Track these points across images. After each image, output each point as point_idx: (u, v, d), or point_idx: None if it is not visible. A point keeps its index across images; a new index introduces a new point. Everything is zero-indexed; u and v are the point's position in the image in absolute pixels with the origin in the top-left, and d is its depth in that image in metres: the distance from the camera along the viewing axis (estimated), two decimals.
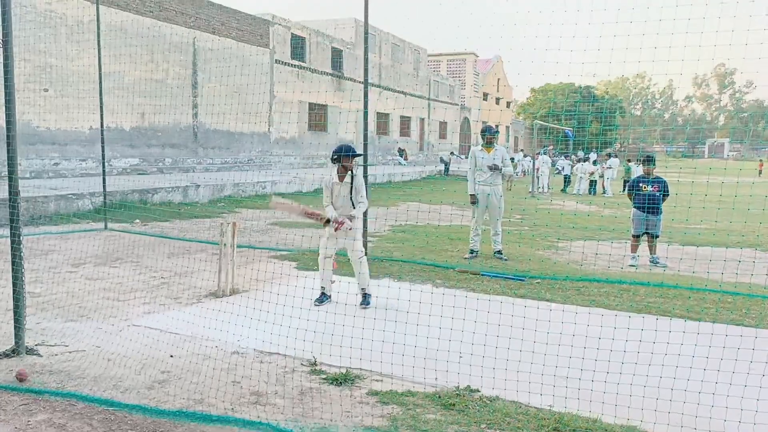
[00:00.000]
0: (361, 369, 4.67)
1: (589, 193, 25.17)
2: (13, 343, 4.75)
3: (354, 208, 6.54)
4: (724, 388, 4.00)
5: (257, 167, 23.55)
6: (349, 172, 6.54)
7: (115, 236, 10.92)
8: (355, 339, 5.07)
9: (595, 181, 25.67)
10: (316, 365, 4.75)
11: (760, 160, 41.22)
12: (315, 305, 6.53)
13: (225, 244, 6.85)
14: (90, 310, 6.11)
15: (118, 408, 3.90)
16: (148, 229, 11.96)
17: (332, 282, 6.75)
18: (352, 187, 6.52)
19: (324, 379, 4.50)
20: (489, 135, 9.53)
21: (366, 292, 6.61)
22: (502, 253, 9.45)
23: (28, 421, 3.71)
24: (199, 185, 16.13)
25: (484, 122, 51.19)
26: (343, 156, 6.49)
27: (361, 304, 6.53)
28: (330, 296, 6.74)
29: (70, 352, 4.87)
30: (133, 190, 14.54)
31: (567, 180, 26.44)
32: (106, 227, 11.66)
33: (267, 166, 24.16)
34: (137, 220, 12.78)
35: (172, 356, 4.88)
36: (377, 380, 4.50)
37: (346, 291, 6.74)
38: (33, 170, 16.31)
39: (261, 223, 12.89)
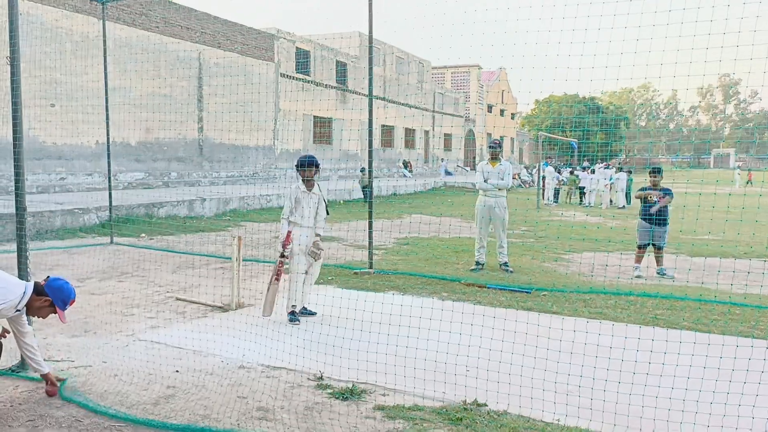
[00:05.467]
0: (367, 383, 4.64)
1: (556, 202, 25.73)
2: (19, 358, 4.74)
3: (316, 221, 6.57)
4: (735, 399, 3.96)
5: (262, 180, 23.60)
6: (316, 184, 6.55)
7: (121, 250, 10.93)
8: (361, 353, 5.05)
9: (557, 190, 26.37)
10: (322, 380, 4.72)
11: (748, 170, 40.58)
12: (291, 323, 6.33)
13: (233, 258, 6.84)
14: (96, 325, 6.11)
15: (124, 421, 3.88)
16: (154, 243, 11.97)
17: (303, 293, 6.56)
18: (319, 199, 6.52)
19: (330, 394, 4.47)
20: (492, 150, 9.64)
21: (294, 310, 6.40)
22: (508, 265, 9.42)
23: None
24: (204, 199, 16.17)
25: (489, 135, 51.25)
26: (303, 167, 6.50)
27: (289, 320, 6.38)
28: (311, 311, 6.59)
29: (76, 368, 4.85)
30: (139, 204, 14.58)
31: (583, 192, 26.29)
32: (112, 241, 11.68)
33: (272, 179, 24.20)
34: (143, 234, 12.80)
35: (177, 371, 4.86)
36: (383, 394, 4.47)
37: (350, 305, 6.69)
38: (39, 185, 16.39)
39: (266, 235, 12.89)
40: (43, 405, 4.13)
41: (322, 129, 29.50)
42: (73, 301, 4.06)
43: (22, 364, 4.71)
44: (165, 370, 4.87)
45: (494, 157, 9.59)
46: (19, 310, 3.92)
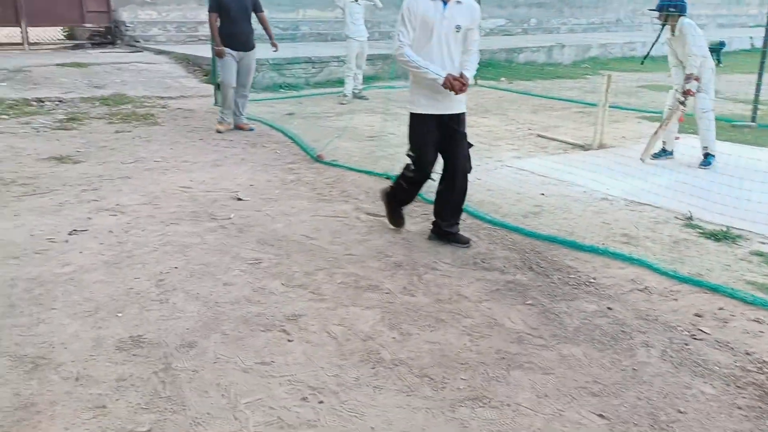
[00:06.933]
0: (743, 230, 4.33)
1: None
2: None
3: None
4: None
5: (626, 28, 21.88)
6: (677, 26, 5.95)
7: (483, 92, 11.60)
8: (736, 200, 4.68)
9: None
10: (691, 219, 4.56)
11: None
12: (651, 159, 6.29)
13: (602, 95, 6.81)
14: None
15: (498, 226, 4.42)
16: (512, 86, 12.38)
17: (676, 138, 6.39)
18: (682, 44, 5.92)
19: (700, 233, 4.32)
20: None
21: (708, 152, 6.10)
22: None
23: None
24: (564, 45, 15.82)
25: None
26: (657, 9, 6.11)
27: (700, 164, 6.09)
28: (671, 152, 6.40)
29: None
30: (500, 50, 15.02)
31: None
32: (476, 83, 12.43)
33: (637, 26, 22.26)
34: (503, 78, 13.28)
35: (542, 194, 5.20)
36: (763, 242, 4.14)
37: (724, 160, 6.10)
38: None
39: (629, 85, 12.22)
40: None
41: None
42: None
43: None
44: (531, 191, 5.27)
45: None
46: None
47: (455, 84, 3.79)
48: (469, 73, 3.91)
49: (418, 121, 3.97)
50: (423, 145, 3.96)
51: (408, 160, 4.12)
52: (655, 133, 6.28)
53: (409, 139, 4.08)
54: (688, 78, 5.92)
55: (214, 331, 2.99)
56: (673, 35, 6.05)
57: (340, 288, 3.48)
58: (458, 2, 3.82)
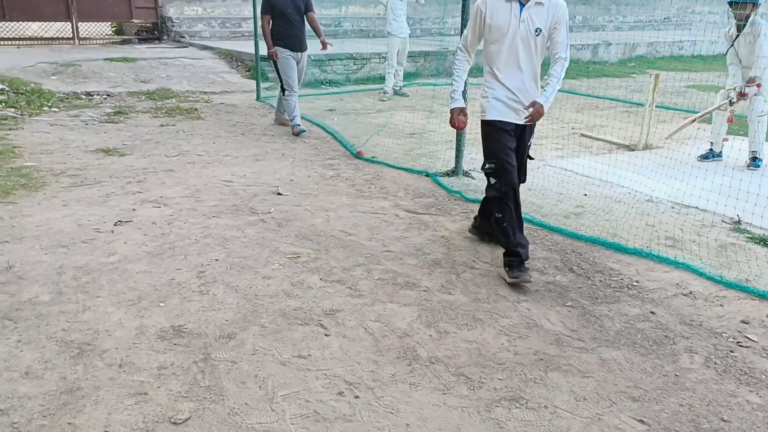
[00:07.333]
0: None
1: None
2: (453, 165, 5.60)
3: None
4: None
5: (674, 26, 21.34)
6: (751, 25, 5.76)
7: None
8: None
9: None
10: (739, 224, 4.43)
11: None
12: (698, 160, 6.25)
13: (648, 95, 6.67)
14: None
15: (539, 226, 4.36)
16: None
17: (724, 140, 6.28)
18: (755, 40, 5.75)
19: (749, 238, 4.19)
20: None
21: (756, 155, 6.02)
22: None
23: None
24: (610, 43, 15.52)
25: None
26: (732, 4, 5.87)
27: (747, 166, 6.01)
28: (719, 154, 6.31)
29: None
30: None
31: None
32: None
33: (686, 25, 21.68)
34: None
35: (585, 195, 5.12)
36: None
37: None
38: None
39: (676, 84, 11.90)
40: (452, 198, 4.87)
41: None
42: None
43: (455, 170, 5.56)
44: (573, 192, 5.18)
45: None
46: None
47: (453, 122, 3.77)
48: (546, 100, 3.43)
49: (494, 129, 3.58)
50: (502, 151, 3.54)
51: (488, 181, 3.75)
52: (692, 120, 6.23)
53: (484, 151, 3.66)
54: (751, 81, 5.75)
55: (252, 323, 3.03)
56: (739, 33, 5.87)
57: (377, 284, 3.48)
58: (538, 2, 3.40)
